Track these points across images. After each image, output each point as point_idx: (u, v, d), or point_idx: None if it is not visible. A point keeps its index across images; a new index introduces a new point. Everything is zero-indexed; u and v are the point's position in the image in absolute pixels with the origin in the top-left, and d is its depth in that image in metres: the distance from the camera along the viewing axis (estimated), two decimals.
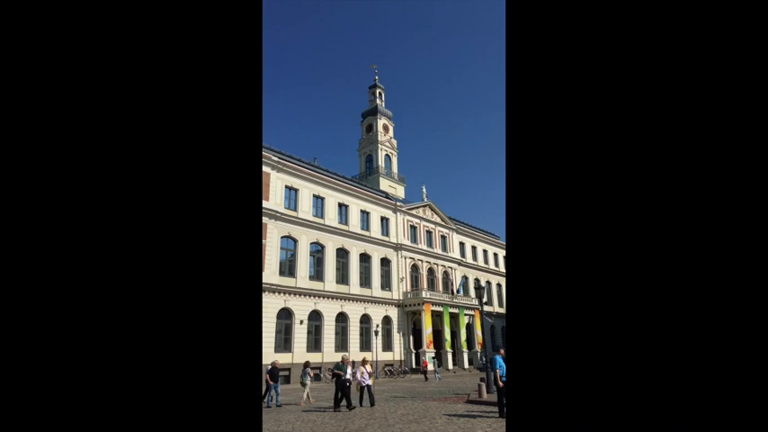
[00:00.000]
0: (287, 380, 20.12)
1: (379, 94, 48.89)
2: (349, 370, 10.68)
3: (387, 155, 45.18)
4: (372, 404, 10.50)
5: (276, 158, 23.50)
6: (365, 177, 42.99)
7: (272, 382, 11.77)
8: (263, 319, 20.41)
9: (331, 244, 25.20)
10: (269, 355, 19.75)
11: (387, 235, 29.30)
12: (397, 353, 27.14)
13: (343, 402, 10.24)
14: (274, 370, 12.13)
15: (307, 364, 12.86)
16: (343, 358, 11.24)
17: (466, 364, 29.67)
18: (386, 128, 46.64)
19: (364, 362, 11.48)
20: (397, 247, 29.59)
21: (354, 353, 22.80)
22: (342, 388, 10.27)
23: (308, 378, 12.37)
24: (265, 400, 11.91)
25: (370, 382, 10.94)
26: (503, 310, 37.48)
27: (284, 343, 21.43)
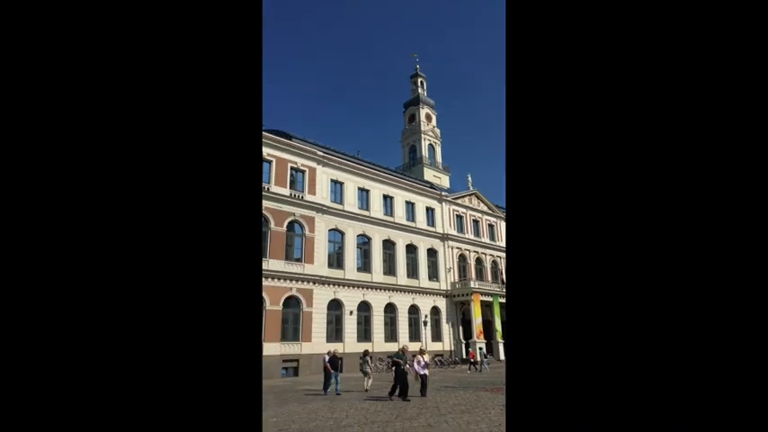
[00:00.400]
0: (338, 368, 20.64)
1: (421, 83, 48.34)
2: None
3: (430, 144, 44.71)
4: (423, 395, 10.53)
5: (321, 153, 23.95)
6: (409, 168, 42.85)
7: (332, 371, 12.03)
8: (315, 310, 21.06)
9: (377, 236, 25.42)
10: (321, 345, 20.38)
11: (433, 225, 29.12)
12: (446, 343, 27.06)
13: (396, 392, 10.34)
14: (334, 359, 12.33)
15: (366, 353, 13.13)
16: (402, 348, 11.30)
17: None
18: (428, 117, 46.12)
19: (421, 352, 11.49)
20: (444, 237, 29.34)
21: (404, 343, 22.96)
22: (401, 378, 10.31)
23: (368, 366, 12.61)
24: (323, 388, 12.31)
25: (426, 372, 10.89)
26: None
27: (335, 333, 21.99)
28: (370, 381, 12.60)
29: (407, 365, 10.84)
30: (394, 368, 10.75)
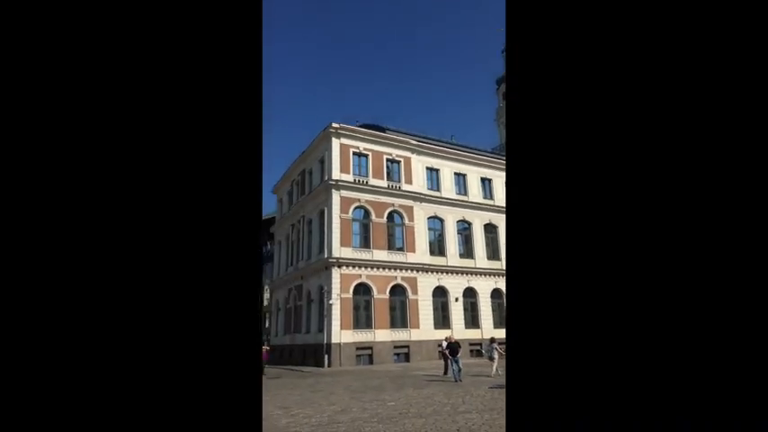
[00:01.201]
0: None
1: None
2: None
3: None
4: None
5: (415, 142, 23.99)
6: (506, 148, 40.90)
7: (451, 357, 12.02)
8: (420, 297, 21.34)
9: (477, 220, 24.79)
10: (429, 332, 20.68)
11: None
12: None
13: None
14: (453, 345, 12.31)
15: (492, 340, 12.97)
16: None
17: None
18: None
19: None
20: None
21: None
22: None
23: (496, 352, 12.50)
24: (447, 373, 12.47)
25: None
26: None
27: (442, 320, 22.02)
28: (495, 367, 12.46)
29: None
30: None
